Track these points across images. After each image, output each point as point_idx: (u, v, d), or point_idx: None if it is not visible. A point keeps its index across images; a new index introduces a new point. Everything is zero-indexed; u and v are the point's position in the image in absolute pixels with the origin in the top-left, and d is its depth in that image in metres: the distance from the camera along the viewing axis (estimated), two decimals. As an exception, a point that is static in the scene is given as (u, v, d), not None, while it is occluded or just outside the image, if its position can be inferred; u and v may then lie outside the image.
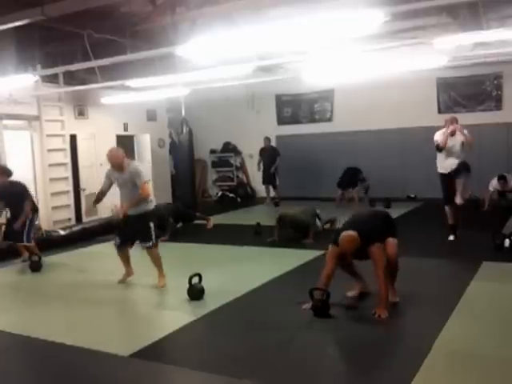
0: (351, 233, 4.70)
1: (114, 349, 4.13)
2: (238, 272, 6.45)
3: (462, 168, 7.19)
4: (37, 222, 7.88)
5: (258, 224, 8.88)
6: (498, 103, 11.49)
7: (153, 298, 5.65)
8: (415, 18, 8.01)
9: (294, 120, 13.78)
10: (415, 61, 7.88)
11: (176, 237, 8.59)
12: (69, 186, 10.12)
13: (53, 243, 8.25)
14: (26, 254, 7.43)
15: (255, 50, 6.84)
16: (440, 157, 7.32)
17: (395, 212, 8.44)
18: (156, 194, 11.74)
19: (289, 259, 6.85)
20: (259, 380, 3.55)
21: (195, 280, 5.33)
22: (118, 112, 11.16)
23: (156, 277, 5.90)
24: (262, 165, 12.81)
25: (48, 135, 9.67)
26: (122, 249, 5.99)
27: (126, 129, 11.76)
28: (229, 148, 14.70)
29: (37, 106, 9.54)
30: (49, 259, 7.48)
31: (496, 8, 7.86)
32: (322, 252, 7.09)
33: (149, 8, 7.62)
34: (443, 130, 7.28)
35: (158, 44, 7.22)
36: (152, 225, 5.83)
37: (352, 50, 7.35)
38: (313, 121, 13.53)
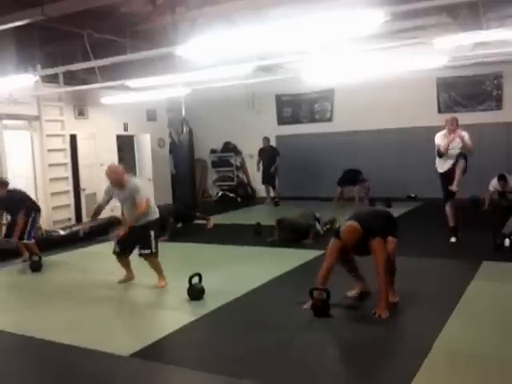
0: (353, 223, 4.72)
1: (114, 348, 4.14)
2: (238, 272, 6.45)
3: (459, 155, 7.17)
4: (40, 223, 7.88)
5: (258, 224, 8.89)
6: (498, 103, 11.49)
7: (153, 297, 5.65)
8: (415, 17, 8.01)
9: (294, 120, 13.79)
10: (415, 61, 7.87)
11: (176, 237, 8.59)
12: (69, 186, 10.12)
13: (53, 243, 8.26)
14: (26, 254, 7.44)
15: (255, 49, 6.83)
16: (439, 159, 7.32)
17: (395, 212, 8.40)
18: (156, 193, 11.84)
19: (289, 259, 6.85)
20: (259, 380, 3.55)
21: (195, 280, 5.33)
22: (118, 112, 11.16)
23: (156, 277, 5.90)
24: (261, 165, 12.81)
25: (48, 135, 9.67)
26: (122, 257, 5.99)
27: (126, 129, 11.76)
28: (229, 148, 14.71)
29: (37, 106, 9.54)
30: (49, 259, 7.48)
31: (496, 8, 7.86)
32: (322, 252, 7.10)
33: (149, 8, 7.62)
34: (443, 131, 7.27)
35: (158, 44, 7.22)
36: (152, 233, 5.80)
37: (352, 49, 7.35)
38: (313, 121, 13.54)
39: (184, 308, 5.19)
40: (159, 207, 6.19)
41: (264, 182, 12.93)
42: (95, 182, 10.74)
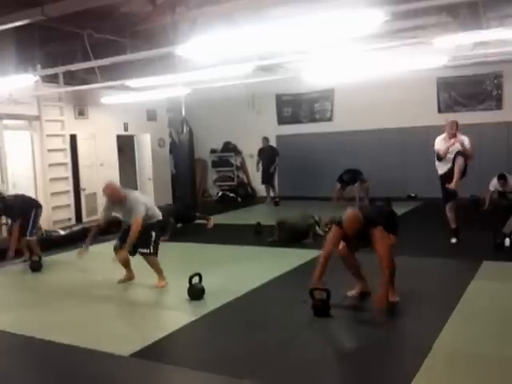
0: (354, 211, 4.73)
1: (114, 348, 4.14)
2: (238, 272, 6.45)
3: (457, 153, 7.17)
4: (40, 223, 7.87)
5: (259, 224, 8.88)
6: (498, 102, 11.49)
7: (153, 297, 5.65)
8: (415, 17, 8.01)
9: (295, 120, 13.79)
10: (415, 60, 7.87)
11: (176, 236, 8.59)
12: (69, 186, 10.13)
13: (53, 243, 8.26)
14: (26, 255, 7.45)
15: (256, 49, 6.83)
16: (439, 163, 7.33)
17: (395, 211, 8.41)
18: (156, 193, 11.86)
19: (289, 259, 6.85)
20: (259, 380, 3.55)
21: (195, 280, 5.33)
22: (118, 112, 11.16)
23: (156, 277, 5.90)
24: (260, 165, 12.81)
25: (48, 135, 9.67)
26: (119, 251, 5.92)
27: (126, 129, 11.76)
28: (229, 148, 14.71)
29: (37, 106, 9.54)
30: (49, 259, 7.49)
31: (496, 7, 7.86)
32: (322, 251, 7.12)
33: (149, 8, 7.61)
34: (443, 135, 7.27)
35: (158, 44, 7.22)
36: (154, 234, 5.81)
37: (352, 49, 7.35)
38: (313, 120, 13.54)
39: (184, 308, 5.19)
40: (159, 208, 6.19)
41: (263, 181, 12.94)
42: (95, 181, 10.74)
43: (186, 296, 5.29)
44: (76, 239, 8.49)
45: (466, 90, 11.71)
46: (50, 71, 8.18)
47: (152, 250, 5.79)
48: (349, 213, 4.77)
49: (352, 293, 5.18)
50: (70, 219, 9.99)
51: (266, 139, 12.89)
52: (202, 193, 14.82)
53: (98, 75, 8.10)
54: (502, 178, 9.64)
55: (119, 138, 11.58)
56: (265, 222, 8.91)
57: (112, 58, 6.93)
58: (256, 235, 8.61)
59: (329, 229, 8.36)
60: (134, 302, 5.63)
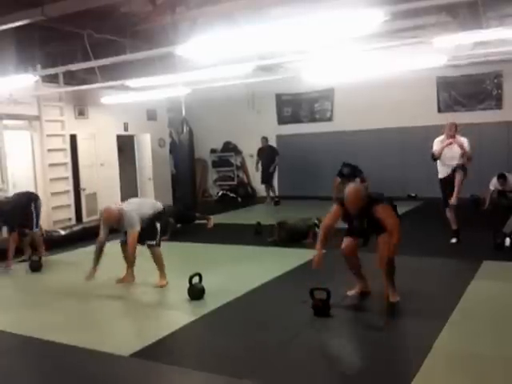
0: (356, 186, 4.74)
1: (114, 348, 4.14)
2: (239, 271, 6.45)
3: (458, 167, 7.18)
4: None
5: (259, 223, 8.89)
6: (498, 102, 11.49)
7: (153, 297, 5.65)
8: (415, 17, 8.02)
9: (295, 119, 13.79)
10: (415, 60, 7.87)
11: (176, 236, 8.59)
12: (69, 186, 10.12)
13: (53, 243, 8.25)
14: (28, 252, 7.47)
15: (255, 49, 6.83)
16: (439, 165, 7.34)
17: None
18: (156, 193, 11.86)
19: (289, 259, 6.85)
20: (259, 380, 3.55)
21: (195, 280, 5.33)
22: (118, 112, 11.16)
23: (157, 276, 5.90)
24: (260, 165, 12.81)
25: (48, 135, 9.67)
26: (125, 247, 6.00)
27: (126, 128, 11.76)
28: (229, 147, 14.71)
29: (37, 106, 9.54)
30: (49, 259, 7.49)
31: (495, 7, 7.86)
32: (322, 251, 7.11)
33: (149, 8, 7.61)
34: (441, 137, 7.28)
35: (158, 44, 7.22)
36: (158, 225, 5.92)
37: (352, 49, 7.35)
38: (313, 120, 13.54)
39: (184, 308, 5.19)
40: None
41: (263, 181, 12.94)
42: (95, 181, 10.76)
43: (186, 296, 5.29)
44: (76, 239, 8.52)
45: (465, 90, 11.70)
46: (50, 71, 8.18)
47: (158, 241, 5.90)
48: (350, 188, 4.78)
49: (352, 292, 5.18)
50: (70, 219, 9.99)
51: (265, 139, 12.89)
52: (202, 193, 14.82)
53: (98, 75, 8.10)
54: (502, 177, 9.64)
55: (119, 137, 11.58)
56: (265, 222, 8.92)
57: (112, 58, 6.93)
58: (256, 235, 8.61)
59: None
60: (134, 302, 5.62)
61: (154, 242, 5.88)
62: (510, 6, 7.99)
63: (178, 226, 9.28)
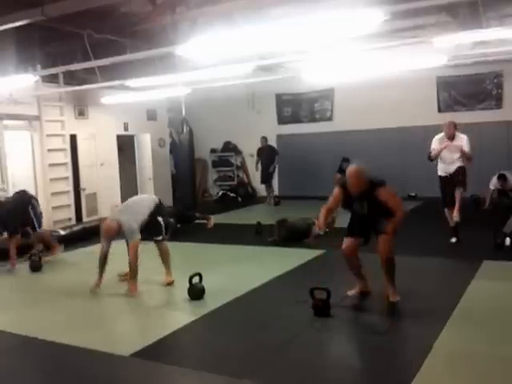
0: (356, 166, 4.80)
1: (115, 348, 4.14)
2: (239, 271, 6.45)
3: (459, 177, 7.18)
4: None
5: (259, 223, 8.89)
6: (498, 102, 11.49)
7: (153, 297, 5.65)
8: (415, 16, 8.01)
9: (295, 119, 13.79)
10: (415, 60, 7.87)
11: (176, 236, 8.55)
12: (69, 186, 10.13)
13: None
14: (38, 248, 7.51)
15: (255, 49, 6.83)
16: (440, 162, 7.33)
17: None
18: (156, 193, 11.79)
19: (289, 258, 6.85)
20: (259, 380, 3.55)
21: (195, 280, 5.33)
22: (118, 112, 11.17)
23: (161, 274, 5.92)
24: (259, 165, 12.81)
25: (48, 135, 9.68)
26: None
27: (126, 128, 11.77)
28: (229, 147, 14.71)
29: (37, 106, 9.55)
30: (49, 259, 7.48)
31: (495, 7, 7.85)
32: (322, 251, 7.13)
33: (149, 8, 7.61)
34: (441, 135, 7.27)
35: (158, 44, 7.21)
36: (160, 219, 5.95)
37: (352, 49, 7.35)
38: (313, 120, 13.54)
39: (184, 308, 5.20)
40: None
41: (263, 181, 12.94)
42: (95, 181, 10.76)
43: (186, 296, 5.30)
44: (76, 239, 8.51)
45: (465, 90, 11.71)
46: (50, 71, 8.18)
47: (164, 236, 5.95)
48: (350, 168, 4.80)
49: (352, 292, 5.18)
50: (70, 219, 9.99)
51: (264, 139, 12.88)
52: (202, 192, 14.82)
53: (97, 75, 8.10)
54: (502, 177, 9.63)
55: (119, 137, 11.59)
56: (265, 222, 8.91)
57: (112, 57, 6.93)
58: (256, 235, 8.61)
59: (327, 231, 8.40)
60: (134, 302, 5.61)
61: (161, 237, 5.94)
62: (510, 5, 7.98)
63: (178, 226, 9.27)
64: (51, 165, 9.70)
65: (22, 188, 7.94)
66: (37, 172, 9.66)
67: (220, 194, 14.50)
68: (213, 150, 14.94)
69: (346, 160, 11.39)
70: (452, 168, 7.20)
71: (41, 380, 3.87)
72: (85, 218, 10.36)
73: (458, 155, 7.13)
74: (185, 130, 11.73)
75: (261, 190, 13.76)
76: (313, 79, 10.50)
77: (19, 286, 6.53)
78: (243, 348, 4.12)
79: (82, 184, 10.54)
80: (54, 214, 9.63)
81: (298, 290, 5.21)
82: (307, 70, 8.84)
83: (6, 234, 7.25)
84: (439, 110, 11.91)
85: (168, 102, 12.61)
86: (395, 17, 7.03)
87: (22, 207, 7.33)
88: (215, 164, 15.06)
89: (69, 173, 10.12)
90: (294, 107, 13.78)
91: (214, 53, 6.10)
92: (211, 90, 10.93)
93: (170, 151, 13.22)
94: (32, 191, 9.24)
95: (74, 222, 9.97)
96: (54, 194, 9.70)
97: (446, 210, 7.36)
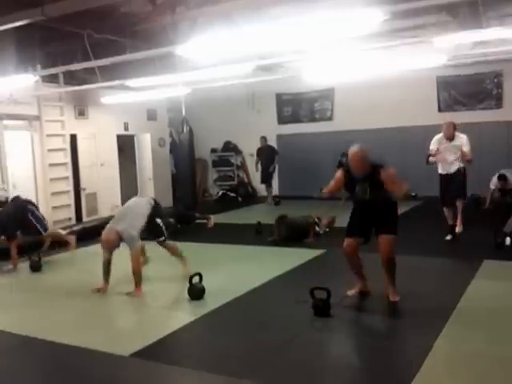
0: (358, 147, 4.82)
1: (114, 348, 4.14)
2: (239, 271, 6.45)
3: (459, 178, 7.18)
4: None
5: (259, 223, 8.88)
6: (498, 101, 11.48)
7: (153, 297, 5.64)
8: (415, 16, 8.01)
9: (295, 119, 13.79)
10: (415, 59, 7.88)
11: (176, 236, 8.53)
12: (69, 186, 10.14)
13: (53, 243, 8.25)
14: (48, 241, 7.66)
15: (255, 49, 6.83)
16: (442, 163, 7.34)
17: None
18: (156, 193, 11.86)
19: (289, 258, 6.85)
20: (259, 380, 3.55)
21: (195, 279, 5.33)
22: (118, 111, 11.17)
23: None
24: (259, 165, 12.81)
25: (48, 135, 9.69)
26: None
27: (126, 128, 11.77)
28: (229, 147, 14.71)
29: (37, 106, 9.55)
30: (49, 259, 7.48)
31: (496, 6, 7.85)
32: (322, 251, 7.14)
33: (149, 8, 7.61)
34: (440, 135, 7.29)
35: (158, 44, 7.21)
36: (159, 220, 5.98)
37: (352, 48, 7.35)
38: (313, 120, 13.54)
39: (184, 308, 5.20)
40: None
41: (263, 181, 12.94)
42: (95, 181, 10.76)
43: (186, 296, 5.29)
44: (76, 239, 8.49)
45: (466, 89, 11.70)
46: (50, 71, 8.19)
47: (166, 235, 6.01)
48: (352, 149, 4.84)
49: (352, 292, 5.18)
50: (70, 219, 10.00)
51: (263, 138, 12.87)
52: (202, 192, 14.82)
53: (97, 75, 8.10)
54: (502, 178, 9.61)
55: (119, 137, 11.59)
56: (265, 222, 8.91)
57: (112, 57, 6.94)
58: (256, 235, 8.61)
59: (327, 230, 8.42)
60: (133, 302, 5.61)
61: (163, 238, 5.98)
62: (510, 5, 7.98)
63: (178, 226, 9.27)
64: (51, 165, 9.70)
65: (21, 188, 7.96)
66: (37, 172, 9.67)
67: (220, 193, 14.50)
68: (213, 150, 14.94)
69: (346, 155, 11.38)
70: (452, 168, 7.21)
71: (41, 380, 3.87)
72: (85, 218, 10.36)
73: (457, 155, 7.13)
74: (185, 129, 11.74)
75: (261, 189, 13.77)
76: (313, 79, 10.50)
77: (19, 285, 6.53)
78: (243, 348, 4.12)
79: (82, 184, 10.54)
80: (54, 213, 9.63)
81: (298, 290, 5.21)
82: (307, 69, 8.84)
83: (2, 238, 7.24)
84: (439, 110, 11.91)
85: (168, 101, 12.61)
86: (395, 16, 7.03)
87: (22, 213, 7.30)
88: (215, 164, 15.06)
89: (69, 173, 10.13)
90: (294, 107, 13.78)
91: (213, 53, 6.11)
92: (211, 90, 10.93)
93: (170, 151, 13.23)
94: (32, 191, 9.29)
95: (74, 221, 9.97)
96: (54, 193, 9.71)
97: (444, 208, 7.37)
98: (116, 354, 4.04)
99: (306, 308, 4.69)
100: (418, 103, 11.85)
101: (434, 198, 8.96)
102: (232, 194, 14.22)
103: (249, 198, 13.98)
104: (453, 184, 7.23)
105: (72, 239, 7.87)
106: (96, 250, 8.07)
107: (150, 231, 5.92)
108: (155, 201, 6.08)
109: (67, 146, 10.08)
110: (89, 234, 8.89)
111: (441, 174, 7.37)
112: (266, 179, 12.80)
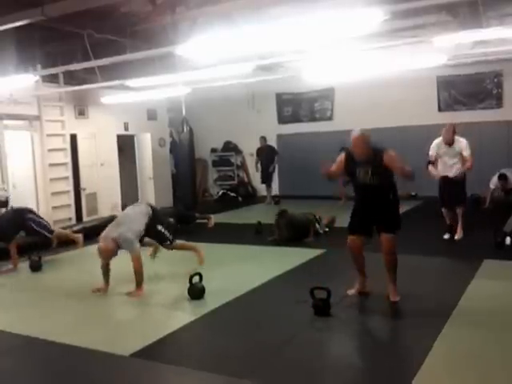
0: (360, 131, 4.84)
1: (114, 348, 4.14)
2: (239, 271, 6.46)
3: (459, 181, 7.19)
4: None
5: (259, 223, 8.89)
6: (498, 101, 11.48)
7: (153, 297, 5.64)
8: (415, 16, 8.00)
9: (295, 119, 13.79)
10: (415, 59, 7.88)
11: (176, 236, 8.55)
12: (69, 186, 10.14)
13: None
14: (55, 242, 7.71)
15: (255, 49, 6.83)
16: (440, 163, 7.35)
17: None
18: (157, 193, 11.88)
19: (289, 258, 6.85)
20: (259, 380, 3.55)
21: (196, 279, 5.33)
22: (118, 111, 11.17)
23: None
24: (259, 165, 12.81)
25: (48, 135, 9.69)
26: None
27: (126, 128, 11.77)
28: (229, 147, 14.71)
29: (37, 106, 9.56)
30: (49, 259, 7.48)
31: (495, 6, 7.85)
32: (323, 250, 7.14)
33: (149, 8, 7.61)
34: (439, 139, 7.29)
35: (158, 44, 7.22)
36: (160, 227, 5.98)
37: (352, 48, 7.35)
38: (313, 119, 13.54)
39: (184, 307, 5.20)
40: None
41: (263, 181, 12.94)
42: (95, 181, 10.76)
43: (186, 295, 5.30)
44: (84, 236, 8.49)
45: (466, 89, 11.70)
46: (50, 71, 8.19)
47: (171, 238, 6.05)
48: (354, 134, 4.85)
49: (352, 292, 5.18)
50: (70, 219, 10.00)
51: (263, 138, 12.87)
52: (202, 192, 14.83)
53: (97, 75, 8.10)
54: (502, 177, 9.61)
55: (119, 137, 11.59)
56: (265, 222, 8.91)
57: (112, 57, 6.94)
58: (256, 234, 8.61)
59: (327, 230, 8.42)
60: (134, 302, 5.61)
61: (168, 242, 6.05)
62: (510, 5, 7.98)
63: (178, 226, 9.27)
64: (51, 165, 9.71)
65: (21, 188, 7.96)
66: (37, 172, 9.67)
67: (220, 193, 14.50)
68: (213, 150, 14.94)
69: (345, 150, 11.37)
70: (452, 171, 7.21)
71: (41, 380, 3.87)
72: (85, 218, 10.36)
73: (457, 159, 7.15)
74: (185, 129, 11.74)
75: (261, 189, 13.77)
76: (313, 79, 10.50)
77: (19, 285, 6.53)
78: (243, 348, 4.12)
79: (82, 184, 10.55)
80: (54, 213, 9.63)
81: (298, 290, 5.21)
82: (307, 69, 8.85)
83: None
84: (439, 110, 11.90)
85: (168, 101, 12.62)
86: (395, 16, 7.03)
87: (21, 223, 7.28)
88: (215, 164, 15.06)
89: (69, 173, 10.13)
90: (294, 107, 13.78)
91: (213, 53, 6.11)
92: (211, 90, 10.93)
93: (171, 151, 13.23)
94: (32, 191, 9.29)
95: (74, 221, 9.97)
96: (54, 193, 9.71)
97: (443, 209, 7.37)
98: (116, 354, 4.04)
99: (306, 308, 4.69)
100: (418, 103, 11.84)
101: (433, 198, 8.94)
102: (232, 194, 14.23)
103: (249, 197, 13.99)
104: (452, 188, 7.23)
105: (79, 237, 7.90)
106: (95, 250, 8.12)
107: (154, 238, 6.01)
108: (152, 208, 6.03)
109: (67, 145, 10.08)
110: (89, 234, 8.90)
111: (440, 175, 7.38)
112: (266, 179, 12.80)
